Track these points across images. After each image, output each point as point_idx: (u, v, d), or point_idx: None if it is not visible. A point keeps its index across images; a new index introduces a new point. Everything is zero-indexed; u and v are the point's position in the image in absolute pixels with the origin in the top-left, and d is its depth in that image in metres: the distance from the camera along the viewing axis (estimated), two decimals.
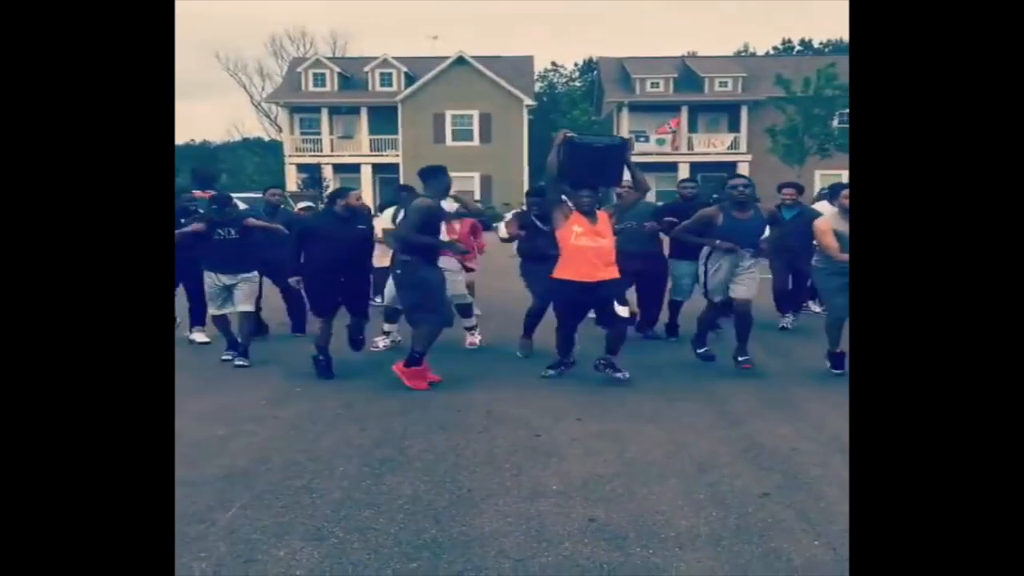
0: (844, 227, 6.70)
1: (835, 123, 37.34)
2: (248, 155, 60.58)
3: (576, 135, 6.89)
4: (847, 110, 36.93)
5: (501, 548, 3.72)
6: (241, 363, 7.83)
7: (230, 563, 3.58)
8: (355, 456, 5.01)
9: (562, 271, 6.72)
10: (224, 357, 8.01)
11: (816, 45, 74.91)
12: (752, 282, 7.29)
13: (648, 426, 5.65)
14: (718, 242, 7.15)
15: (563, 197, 6.87)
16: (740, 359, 7.41)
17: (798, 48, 74.92)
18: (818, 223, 7.11)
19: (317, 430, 5.59)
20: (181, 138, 76.38)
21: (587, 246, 6.60)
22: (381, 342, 8.57)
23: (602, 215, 6.80)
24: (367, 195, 39.79)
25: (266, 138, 66.35)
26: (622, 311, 6.76)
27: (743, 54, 70.81)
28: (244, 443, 5.32)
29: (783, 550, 3.72)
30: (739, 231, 7.13)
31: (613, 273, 6.73)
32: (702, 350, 7.63)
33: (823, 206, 10.09)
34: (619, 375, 6.86)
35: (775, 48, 75.42)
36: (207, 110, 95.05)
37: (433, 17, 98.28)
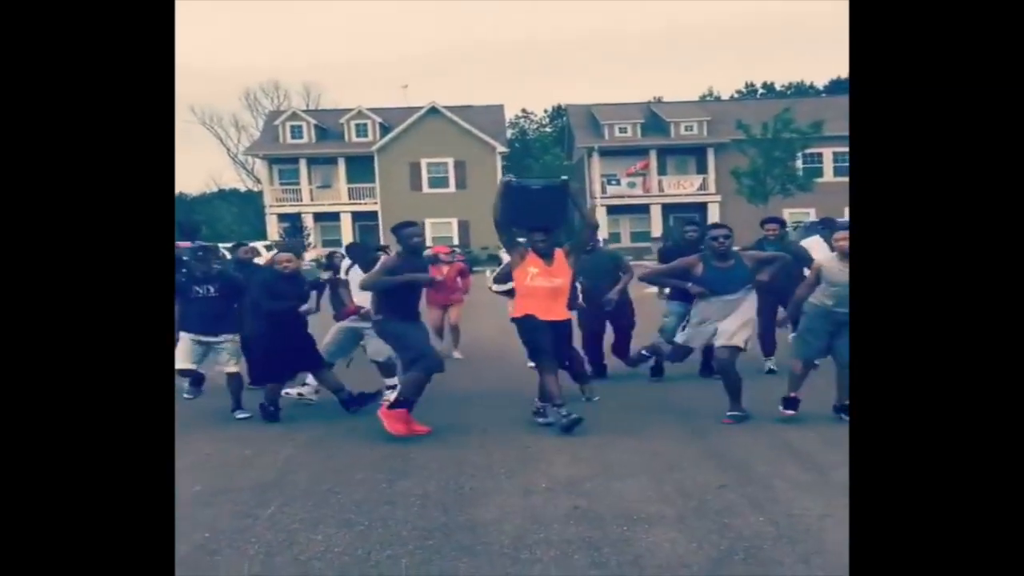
0: (842, 271, 6.53)
1: (798, 163, 38.71)
2: (225, 206, 61.29)
3: (514, 178, 7.05)
4: (806, 151, 38.41)
5: (502, 529, 4.46)
6: (242, 415, 7.58)
7: (277, 546, 4.30)
8: (368, 467, 5.72)
9: (520, 308, 6.88)
10: (186, 395, 7.90)
11: (778, 88, 76.95)
12: (741, 331, 6.97)
13: (624, 439, 6.39)
14: (690, 285, 7.04)
15: (519, 240, 7.03)
16: (728, 414, 6.99)
17: (761, 92, 76.89)
18: (817, 259, 7.17)
19: (330, 449, 6.29)
20: None
21: (542, 286, 6.77)
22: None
23: (558, 255, 6.88)
24: (347, 241, 40.63)
25: (242, 189, 67.21)
26: None
27: (708, 98, 72.63)
28: (269, 459, 6.03)
29: (735, 526, 4.47)
30: (721, 281, 6.96)
31: (564, 313, 6.99)
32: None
33: (814, 241, 10.01)
34: (543, 420, 6.90)
35: (739, 92, 77.35)
36: (183, 163, 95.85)
37: (403, 67, 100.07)
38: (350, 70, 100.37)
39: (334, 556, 4.13)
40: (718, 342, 7.02)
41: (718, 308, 7.00)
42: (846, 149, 43.02)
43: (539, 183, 7.08)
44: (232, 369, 7.63)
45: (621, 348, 9.24)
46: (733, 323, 6.96)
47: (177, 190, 75.68)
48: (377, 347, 7.74)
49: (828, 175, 43.03)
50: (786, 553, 4.07)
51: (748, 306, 7.06)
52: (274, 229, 43.09)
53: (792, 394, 6.96)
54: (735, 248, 7.22)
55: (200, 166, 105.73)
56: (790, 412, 6.91)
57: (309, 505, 4.94)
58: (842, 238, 6.65)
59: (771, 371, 9.07)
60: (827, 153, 43.01)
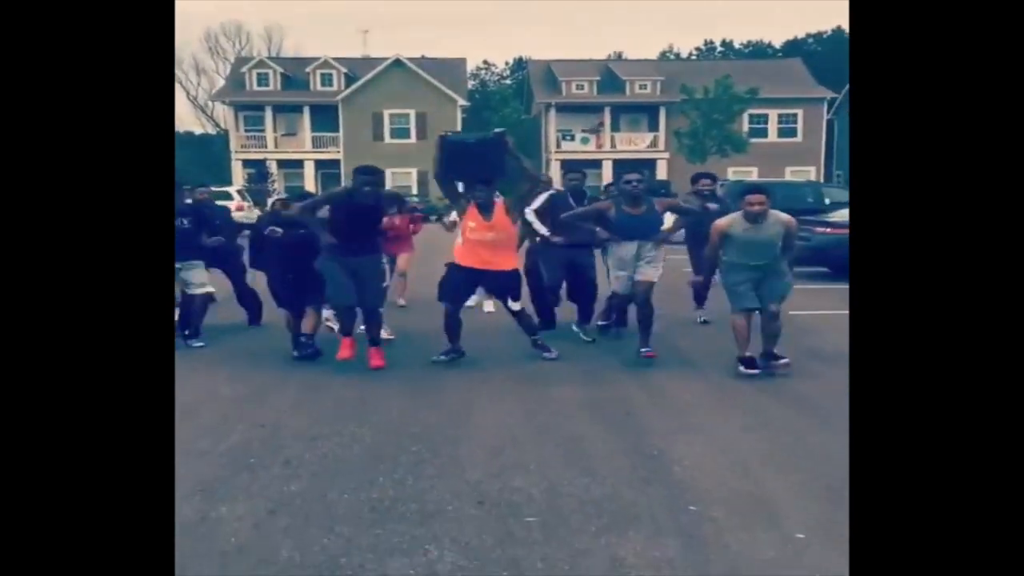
0: (746, 231, 6.97)
1: (744, 124, 41.12)
2: (179, 149, 61.82)
3: (451, 133, 7.47)
4: (751, 112, 40.85)
5: (457, 385, 6.66)
6: (198, 344, 8.49)
7: (340, 413, 6.45)
8: (384, 375, 7.83)
9: (456, 257, 7.47)
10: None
11: (736, 46, 79.06)
12: (653, 268, 7.53)
13: (567, 369, 7.55)
14: (598, 230, 7.59)
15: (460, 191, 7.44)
16: (643, 349, 7.52)
17: (720, 49, 78.95)
18: (716, 223, 7.16)
19: (340, 373, 8.33)
20: None
21: (478, 239, 7.20)
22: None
23: (499, 208, 7.22)
24: (310, 188, 42.43)
25: (197, 132, 67.96)
26: (514, 306, 7.56)
27: (668, 54, 74.72)
28: (301, 374, 7.53)
29: (625, 398, 6.66)
30: (631, 225, 7.38)
31: (505, 263, 7.32)
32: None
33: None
34: (547, 355, 7.59)
35: (697, 49, 79.34)
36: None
37: (367, 13, 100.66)
38: (311, 14, 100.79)
39: (383, 416, 6.26)
40: (636, 278, 7.54)
41: (630, 252, 7.48)
42: (791, 111, 45.95)
43: (474, 137, 7.42)
44: (206, 290, 8.69)
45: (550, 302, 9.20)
46: (648, 265, 7.52)
47: None
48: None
49: (772, 136, 45.69)
50: (655, 412, 6.05)
51: (659, 252, 7.58)
52: (239, 175, 44.63)
53: (746, 354, 7.13)
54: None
55: None
56: (753, 371, 7.05)
57: (340, 399, 6.80)
58: (753, 202, 6.93)
59: (704, 322, 9.60)
60: (772, 115, 45.60)
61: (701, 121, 38.24)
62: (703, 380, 6.96)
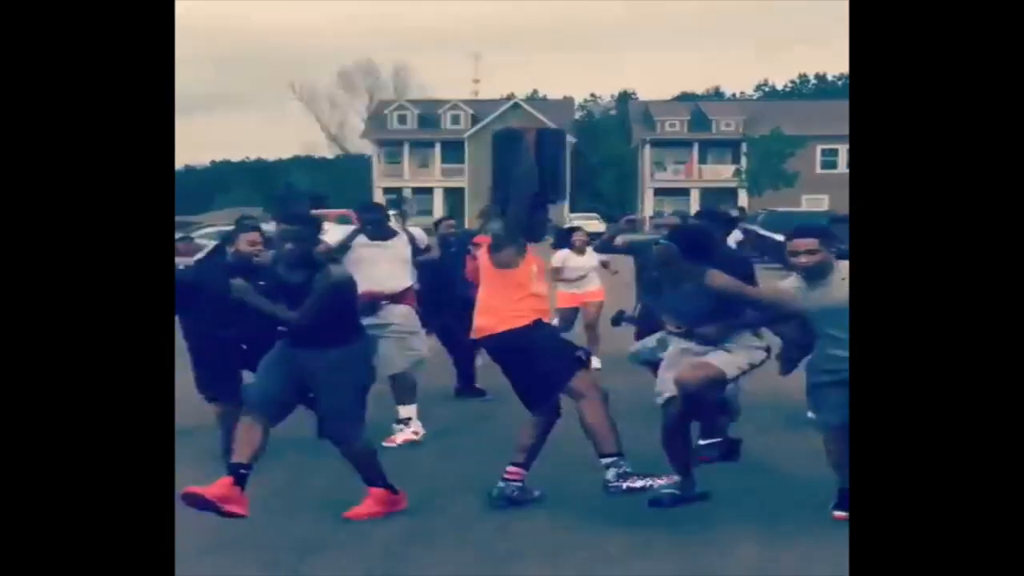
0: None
1: (817, 158, 42.43)
2: (299, 172, 63.39)
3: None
4: (793, 156, 41.96)
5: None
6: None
7: None
8: None
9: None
10: None
11: (830, 79, 78.25)
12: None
13: None
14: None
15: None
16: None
17: (813, 82, 78.33)
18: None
19: None
20: (244, 154, 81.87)
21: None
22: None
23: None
24: (438, 213, 45.51)
25: (316, 156, 69.29)
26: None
27: (763, 87, 75.21)
28: None
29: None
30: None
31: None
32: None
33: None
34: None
35: (791, 82, 78.94)
36: (275, 132, 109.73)
37: (483, 37, 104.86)
38: (428, 42, 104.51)
39: None
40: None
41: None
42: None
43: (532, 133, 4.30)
44: None
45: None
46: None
47: (258, 155, 75.69)
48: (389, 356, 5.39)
49: (842, 167, 46.20)
50: None
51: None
52: (381, 200, 48.00)
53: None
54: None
55: (295, 138, 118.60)
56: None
57: None
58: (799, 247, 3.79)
59: None
60: (842, 149, 46.12)
61: (757, 162, 40.11)
62: None
